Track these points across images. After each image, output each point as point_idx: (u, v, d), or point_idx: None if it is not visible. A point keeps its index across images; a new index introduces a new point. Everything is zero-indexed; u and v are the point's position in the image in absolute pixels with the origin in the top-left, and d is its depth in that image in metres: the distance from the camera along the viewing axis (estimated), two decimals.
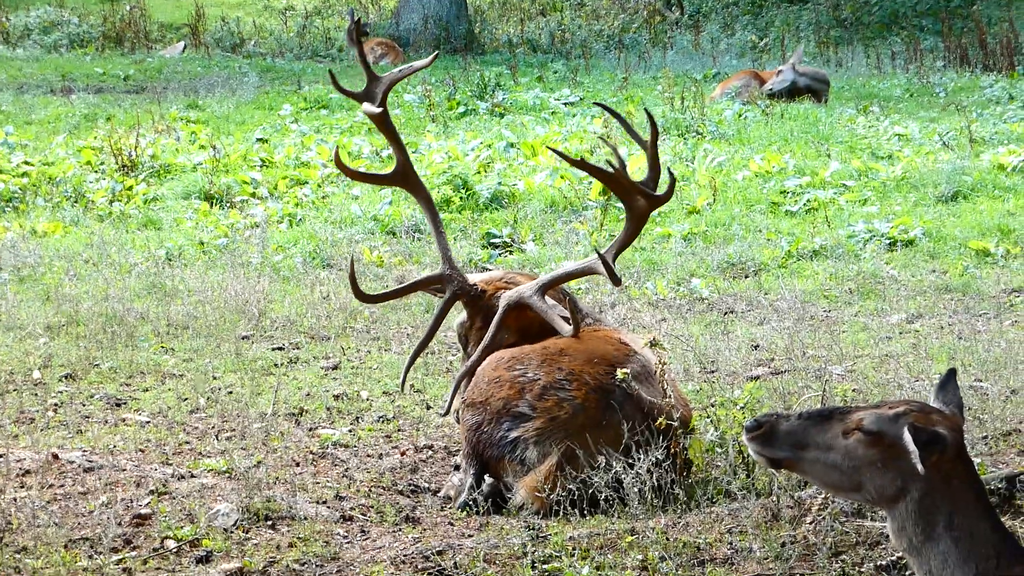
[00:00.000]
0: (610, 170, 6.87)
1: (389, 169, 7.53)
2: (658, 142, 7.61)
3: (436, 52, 8.40)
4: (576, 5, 31.15)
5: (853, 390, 8.00)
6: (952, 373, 4.49)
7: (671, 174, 7.46)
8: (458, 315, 7.35)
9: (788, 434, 4.36)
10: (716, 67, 22.99)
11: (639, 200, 6.99)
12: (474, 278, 7.36)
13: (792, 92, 18.55)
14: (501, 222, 12.71)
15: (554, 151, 7.70)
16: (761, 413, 4.76)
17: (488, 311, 7.04)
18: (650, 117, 7.32)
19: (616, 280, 6.94)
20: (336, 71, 8.38)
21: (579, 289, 10.81)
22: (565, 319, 6.76)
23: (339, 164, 7.56)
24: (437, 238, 7.25)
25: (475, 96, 19.06)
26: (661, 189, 7.03)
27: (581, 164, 7.32)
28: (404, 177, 7.37)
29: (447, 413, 7.28)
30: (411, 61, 21.71)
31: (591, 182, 13.13)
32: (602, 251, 7.02)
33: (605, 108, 8.13)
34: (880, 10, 26.38)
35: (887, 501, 4.28)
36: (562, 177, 13.51)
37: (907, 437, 4.15)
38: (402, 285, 8.05)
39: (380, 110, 7.16)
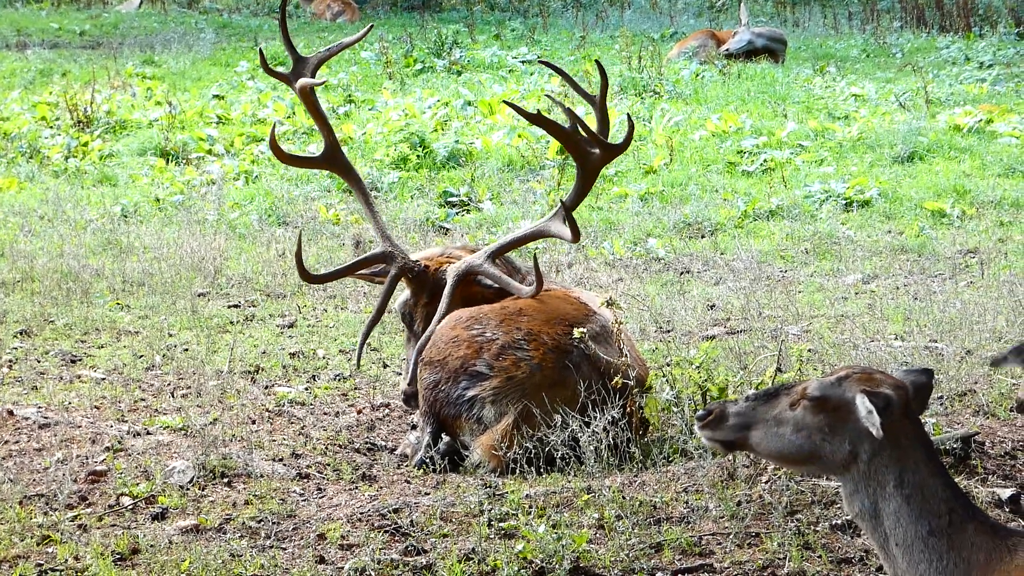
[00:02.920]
0: (565, 126, 6.94)
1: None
2: (608, 97, 7.72)
3: (370, 27, 8.38)
4: None
5: (809, 350, 8.00)
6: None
7: (630, 122, 7.51)
8: (400, 295, 7.40)
9: (738, 415, 4.40)
10: (673, 26, 23.13)
11: (593, 152, 7.02)
12: (414, 256, 7.39)
13: (749, 52, 18.65)
14: (458, 181, 12.70)
15: (511, 105, 7.75)
16: (716, 403, 4.77)
17: (435, 286, 7.07)
18: (601, 69, 7.41)
19: (576, 234, 6.94)
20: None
21: (537, 248, 10.83)
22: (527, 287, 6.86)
23: (273, 147, 7.53)
24: (373, 219, 7.27)
25: (432, 54, 19.02)
26: (615, 143, 7.11)
27: (537, 118, 7.43)
28: (332, 160, 7.39)
29: (408, 392, 7.21)
30: (368, 19, 21.68)
31: (548, 141, 13.28)
32: (557, 208, 7.15)
33: (549, 66, 8.12)
34: None
35: (840, 467, 4.29)
36: (519, 136, 13.65)
37: (859, 403, 4.16)
38: (346, 264, 8.06)
39: (317, 82, 7.30)
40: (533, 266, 6.83)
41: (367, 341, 7.51)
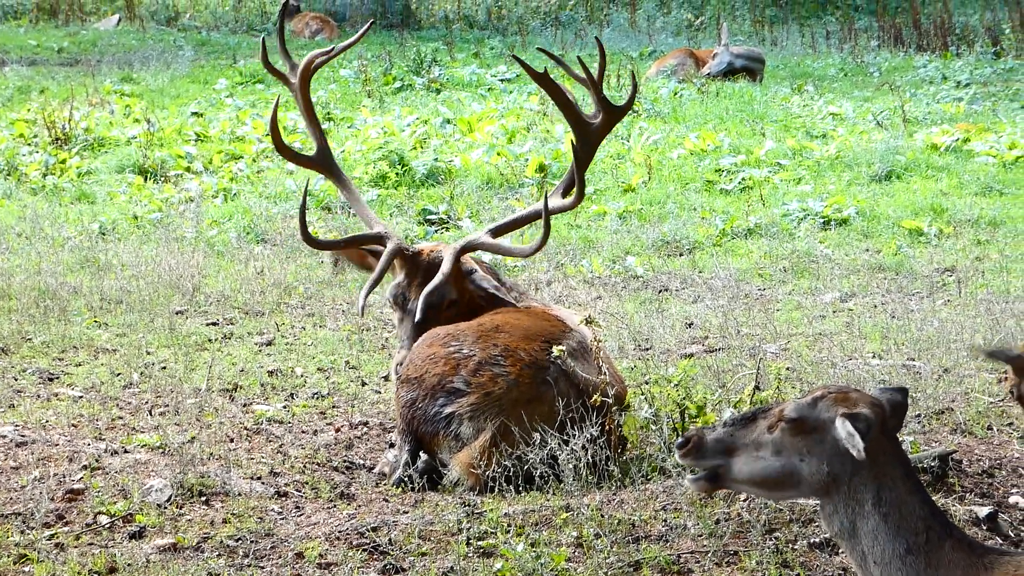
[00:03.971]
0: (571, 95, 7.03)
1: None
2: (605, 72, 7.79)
3: (371, 23, 8.68)
4: None
5: (787, 368, 8.00)
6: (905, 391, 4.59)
7: (634, 81, 7.84)
8: (392, 280, 7.37)
9: (717, 441, 4.40)
10: (652, 45, 23.39)
11: (592, 122, 7.17)
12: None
13: (728, 72, 18.87)
14: (437, 199, 12.71)
15: (517, 60, 7.78)
16: (692, 431, 4.69)
17: (428, 267, 7.10)
18: (599, 45, 7.44)
19: (581, 193, 7.08)
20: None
21: (515, 267, 11.03)
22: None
23: (275, 135, 7.54)
24: (359, 210, 7.43)
25: (411, 71, 19.14)
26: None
27: (543, 78, 7.37)
28: (323, 160, 7.53)
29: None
30: (346, 36, 21.95)
31: (528, 159, 13.37)
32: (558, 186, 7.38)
33: (546, 52, 8.21)
34: None
35: (819, 487, 4.33)
36: (499, 154, 13.74)
37: (840, 426, 4.18)
38: (346, 237, 8.15)
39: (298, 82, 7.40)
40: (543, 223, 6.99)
41: (367, 298, 7.46)
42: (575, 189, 7.24)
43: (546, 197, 7.38)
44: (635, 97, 7.56)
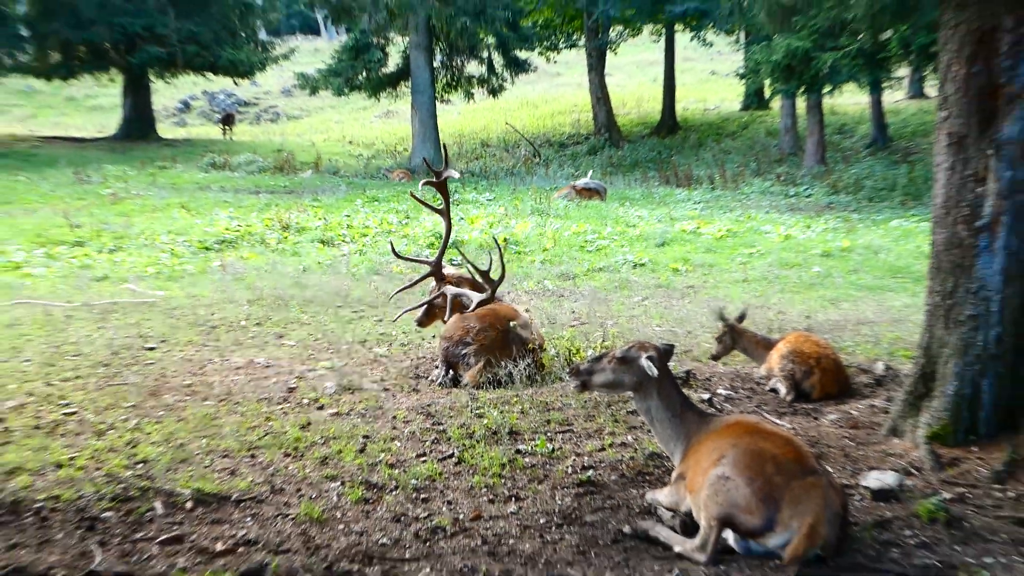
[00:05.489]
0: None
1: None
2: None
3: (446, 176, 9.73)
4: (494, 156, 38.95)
5: (617, 333, 10.07)
6: (672, 347, 5.70)
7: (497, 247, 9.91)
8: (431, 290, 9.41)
9: (585, 369, 5.49)
10: (555, 183, 29.28)
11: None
12: (446, 269, 9.64)
13: (589, 193, 24.79)
14: (454, 253, 15.42)
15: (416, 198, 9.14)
16: (574, 363, 6.07)
17: (442, 283, 9.04)
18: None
19: (502, 274, 8.59)
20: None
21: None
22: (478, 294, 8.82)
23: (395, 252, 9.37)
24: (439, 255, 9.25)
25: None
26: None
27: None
28: (435, 269, 9.52)
29: (420, 321, 9.49)
30: (417, 183, 25.99)
31: (497, 236, 16.28)
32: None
33: (417, 199, 9.34)
34: (629, 161, 35.01)
35: (634, 388, 5.44)
36: (483, 233, 17.71)
37: (644, 361, 5.36)
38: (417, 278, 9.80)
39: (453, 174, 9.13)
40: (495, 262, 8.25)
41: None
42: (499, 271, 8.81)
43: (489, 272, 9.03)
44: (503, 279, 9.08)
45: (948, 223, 6.66)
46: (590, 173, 29.80)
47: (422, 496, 5.95)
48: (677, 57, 46.11)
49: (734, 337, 8.81)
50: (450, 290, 9.19)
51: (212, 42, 41.53)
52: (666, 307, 12.32)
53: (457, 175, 9.52)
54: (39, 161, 33.15)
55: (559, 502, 5.81)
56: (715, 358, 8.93)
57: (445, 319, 9.05)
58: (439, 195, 9.35)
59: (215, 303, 12.50)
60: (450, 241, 10.08)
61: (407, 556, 5.12)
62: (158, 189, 25.86)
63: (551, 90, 56.50)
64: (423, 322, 9.43)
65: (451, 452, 6.69)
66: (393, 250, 9.24)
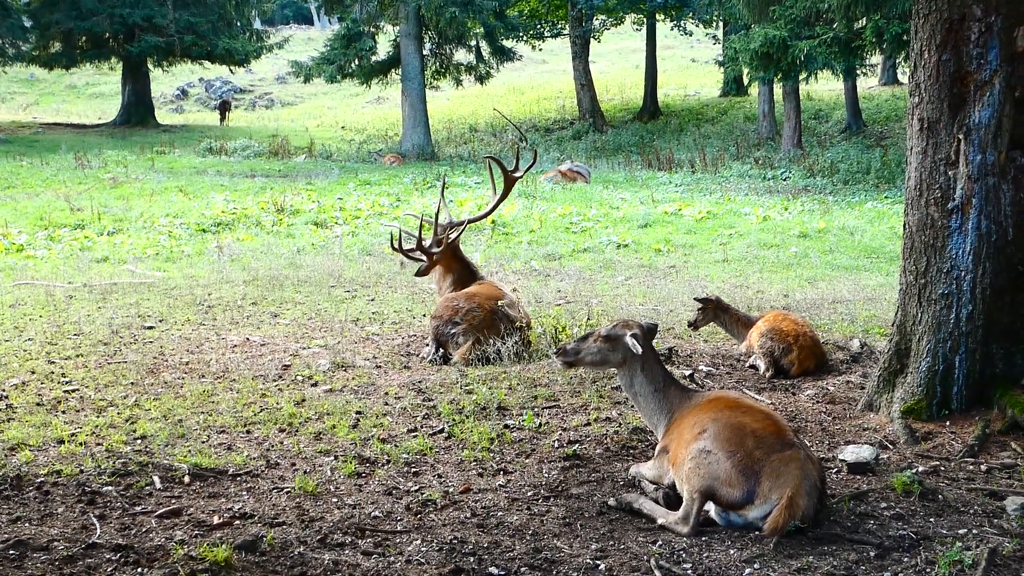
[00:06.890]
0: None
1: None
2: (508, 198, 9.59)
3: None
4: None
5: (601, 311, 10.40)
6: (655, 326, 5.82)
7: (534, 154, 10.25)
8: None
9: (572, 348, 5.64)
10: (542, 167, 29.24)
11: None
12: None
13: (573, 177, 25.09)
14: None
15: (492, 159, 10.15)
16: (561, 344, 5.98)
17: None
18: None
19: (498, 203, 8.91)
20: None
21: (482, 265, 12.97)
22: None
23: (400, 248, 9.41)
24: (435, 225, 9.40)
25: (435, 177, 25.52)
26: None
27: (494, 159, 9.98)
28: (429, 265, 9.62)
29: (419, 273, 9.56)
30: (408, 167, 27.39)
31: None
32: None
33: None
34: (612, 145, 35.58)
35: (619, 365, 5.58)
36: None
37: (628, 339, 5.48)
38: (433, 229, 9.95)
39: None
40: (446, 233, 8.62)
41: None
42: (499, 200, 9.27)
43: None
44: (532, 166, 9.58)
45: (921, 205, 6.76)
46: (571, 157, 30.68)
47: (413, 470, 6.05)
48: (658, 45, 46.54)
49: (716, 312, 8.99)
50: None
51: (209, 32, 42.20)
52: (649, 286, 12.63)
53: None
54: (41, 147, 33.89)
55: (546, 475, 5.90)
56: (693, 326, 9.08)
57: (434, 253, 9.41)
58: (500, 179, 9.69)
59: (212, 283, 12.77)
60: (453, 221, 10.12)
61: (399, 528, 5.17)
62: (156, 173, 26.31)
63: (537, 77, 56.97)
64: (423, 272, 9.52)
65: (441, 427, 6.82)
66: (392, 246, 9.37)
